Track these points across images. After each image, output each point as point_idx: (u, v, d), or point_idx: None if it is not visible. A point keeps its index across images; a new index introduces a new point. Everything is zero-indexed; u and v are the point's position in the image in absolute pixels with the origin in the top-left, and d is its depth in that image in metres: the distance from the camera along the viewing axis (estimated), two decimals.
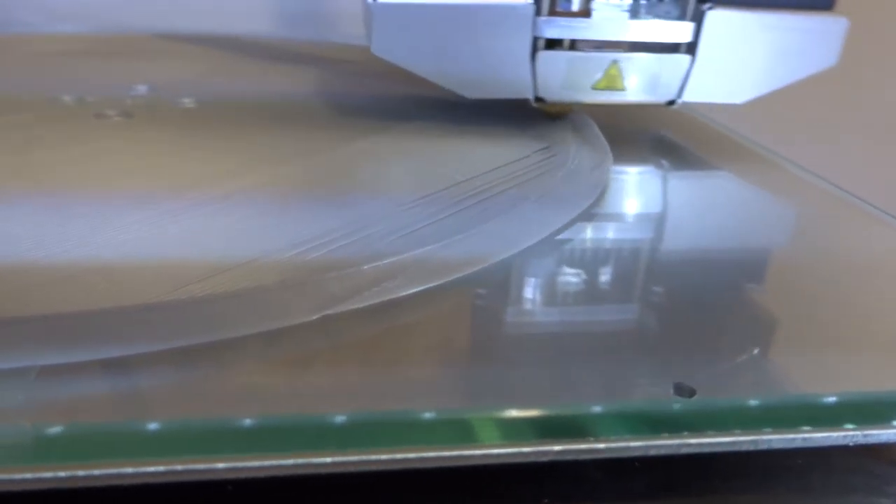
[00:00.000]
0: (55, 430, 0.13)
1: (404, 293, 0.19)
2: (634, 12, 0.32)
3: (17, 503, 0.13)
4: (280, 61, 0.44)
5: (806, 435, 0.15)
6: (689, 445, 0.15)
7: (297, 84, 0.40)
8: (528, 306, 0.20)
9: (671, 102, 0.33)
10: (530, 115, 0.33)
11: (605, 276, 0.22)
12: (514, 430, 0.15)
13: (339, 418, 0.14)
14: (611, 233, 0.26)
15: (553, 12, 0.31)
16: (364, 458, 0.13)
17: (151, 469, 0.13)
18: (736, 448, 0.15)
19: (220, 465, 0.13)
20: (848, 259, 0.25)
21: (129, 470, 0.13)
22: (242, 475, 0.13)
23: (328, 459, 0.13)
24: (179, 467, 0.13)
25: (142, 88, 0.36)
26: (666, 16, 0.32)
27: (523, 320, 0.19)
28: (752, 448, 0.15)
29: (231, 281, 0.18)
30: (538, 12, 0.30)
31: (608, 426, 0.15)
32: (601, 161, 0.29)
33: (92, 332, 0.15)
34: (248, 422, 0.14)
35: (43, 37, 0.51)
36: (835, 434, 0.15)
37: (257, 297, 0.17)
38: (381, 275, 0.18)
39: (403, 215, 0.22)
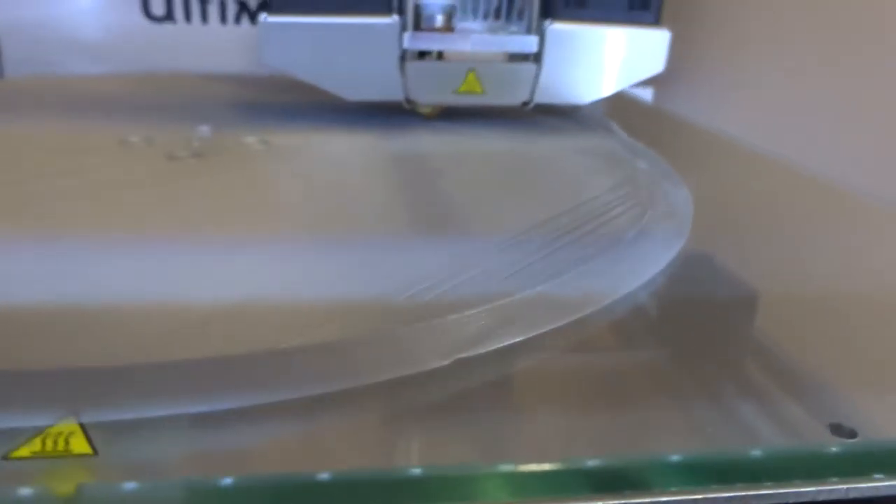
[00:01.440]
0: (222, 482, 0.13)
1: (533, 333, 0.18)
2: (489, 28, 0.39)
3: None
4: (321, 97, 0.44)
5: None
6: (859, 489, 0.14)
7: (352, 122, 0.40)
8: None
9: (525, 103, 0.39)
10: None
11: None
12: (680, 475, 0.14)
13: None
14: None
15: (419, 28, 0.38)
16: None
17: None
18: None
19: None
20: None
21: None
22: None
23: None
24: None
25: (205, 128, 0.36)
26: (515, 31, 0.39)
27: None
28: None
29: (353, 324, 0.17)
30: (404, 28, 0.37)
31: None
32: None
33: (236, 378, 0.15)
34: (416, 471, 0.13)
35: (82, 78, 0.51)
36: None
37: (389, 342, 0.17)
38: (505, 315, 0.18)
39: (503, 255, 0.22)
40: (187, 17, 0.58)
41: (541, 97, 0.38)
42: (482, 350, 0.17)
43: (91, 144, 0.32)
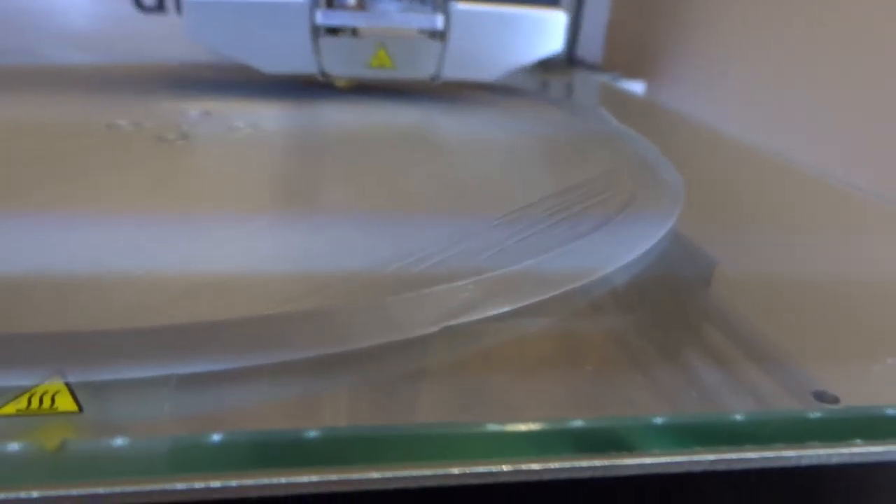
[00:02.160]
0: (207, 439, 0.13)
1: (518, 305, 0.18)
2: (402, 8, 0.42)
3: None
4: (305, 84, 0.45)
5: None
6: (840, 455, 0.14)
7: (338, 106, 0.40)
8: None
9: (434, 78, 0.42)
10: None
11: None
12: (662, 438, 0.14)
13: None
14: None
15: (331, 5, 0.41)
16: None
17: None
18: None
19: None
20: None
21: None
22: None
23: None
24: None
25: (194, 114, 0.36)
26: (422, 10, 0.41)
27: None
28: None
29: (342, 294, 0.17)
30: (316, 5, 0.39)
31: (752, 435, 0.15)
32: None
33: (224, 342, 0.15)
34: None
35: (70, 67, 0.51)
36: None
37: (378, 309, 0.17)
38: (495, 287, 0.18)
39: (494, 232, 0.22)
40: (178, 7, 0.58)
41: (447, 72, 0.41)
42: (470, 319, 0.17)
43: (78, 128, 0.32)
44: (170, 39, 0.57)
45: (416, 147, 0.34)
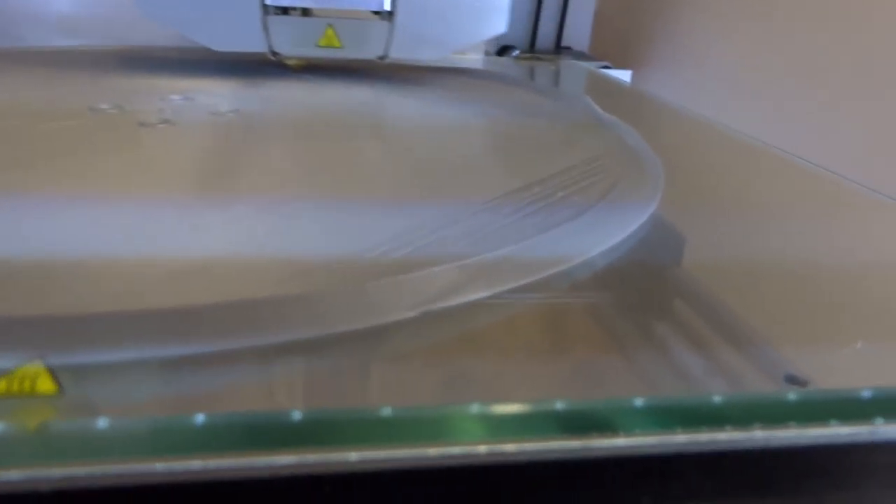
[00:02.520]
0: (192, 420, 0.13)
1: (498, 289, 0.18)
2: None
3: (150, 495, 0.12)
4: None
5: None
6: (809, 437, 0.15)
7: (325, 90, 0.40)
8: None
9: (382, 58, 0.42)
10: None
11: None
12: (637, 420, 0.14)
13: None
14: None
15: None
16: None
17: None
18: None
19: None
20: None
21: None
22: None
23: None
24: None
25: (175, 97, 0.36)
26: None
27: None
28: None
29: (323, 279, 0.17)
30: None
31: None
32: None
33: (202, 326, 0.15)
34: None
35: (50, 50, 0.51)
36: None
37: (358, 294, 0.17)
38: (475, 272, 0.18)
39: (474, 218, 0.22)
40: None
41: (395, 52, 0.42)
42: (449, 303, 0.17)
43: (58, 111, 0.32)
44: (153, 22, 0.56)
45: (392, 134, 0.34)
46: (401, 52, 0.42)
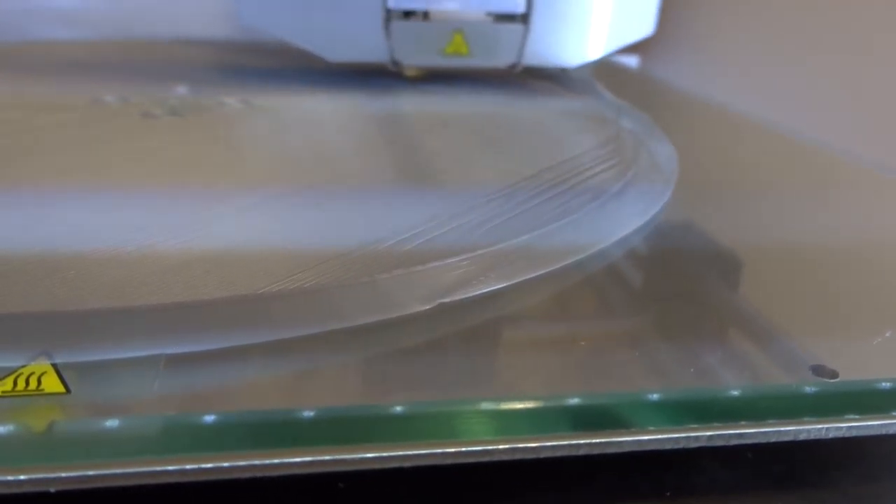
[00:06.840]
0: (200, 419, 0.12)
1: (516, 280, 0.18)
2: None
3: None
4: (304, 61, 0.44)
5: None
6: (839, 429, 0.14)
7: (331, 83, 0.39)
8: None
9: (513, 66, 0.38)
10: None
11: None
12: (661, 415, 0.14)
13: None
14: None
15: None
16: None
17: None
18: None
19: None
20: None
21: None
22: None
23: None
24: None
25: (182, 89, 0.35)
26: None
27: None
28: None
29: (336, 271, 0.17)
30: None
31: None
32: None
33: (211, 321, 0.15)
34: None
35: (53, 43, 0.50)
36: None
37: (372, 287, 0.16)
38: (491, 262, 0.18)
39: (488, 207, 0.22)
40: None
41: (528, 59, 0.37)
42: (464, 296, 0.17)
43: (62, 104, 0.31)
44: (156, 14, 0.56)
45: (410, 122, 0.34)
46: (534, 60, 0.37)
